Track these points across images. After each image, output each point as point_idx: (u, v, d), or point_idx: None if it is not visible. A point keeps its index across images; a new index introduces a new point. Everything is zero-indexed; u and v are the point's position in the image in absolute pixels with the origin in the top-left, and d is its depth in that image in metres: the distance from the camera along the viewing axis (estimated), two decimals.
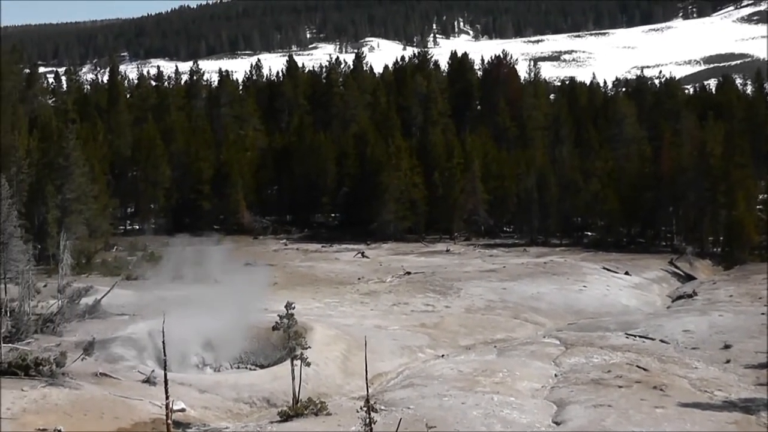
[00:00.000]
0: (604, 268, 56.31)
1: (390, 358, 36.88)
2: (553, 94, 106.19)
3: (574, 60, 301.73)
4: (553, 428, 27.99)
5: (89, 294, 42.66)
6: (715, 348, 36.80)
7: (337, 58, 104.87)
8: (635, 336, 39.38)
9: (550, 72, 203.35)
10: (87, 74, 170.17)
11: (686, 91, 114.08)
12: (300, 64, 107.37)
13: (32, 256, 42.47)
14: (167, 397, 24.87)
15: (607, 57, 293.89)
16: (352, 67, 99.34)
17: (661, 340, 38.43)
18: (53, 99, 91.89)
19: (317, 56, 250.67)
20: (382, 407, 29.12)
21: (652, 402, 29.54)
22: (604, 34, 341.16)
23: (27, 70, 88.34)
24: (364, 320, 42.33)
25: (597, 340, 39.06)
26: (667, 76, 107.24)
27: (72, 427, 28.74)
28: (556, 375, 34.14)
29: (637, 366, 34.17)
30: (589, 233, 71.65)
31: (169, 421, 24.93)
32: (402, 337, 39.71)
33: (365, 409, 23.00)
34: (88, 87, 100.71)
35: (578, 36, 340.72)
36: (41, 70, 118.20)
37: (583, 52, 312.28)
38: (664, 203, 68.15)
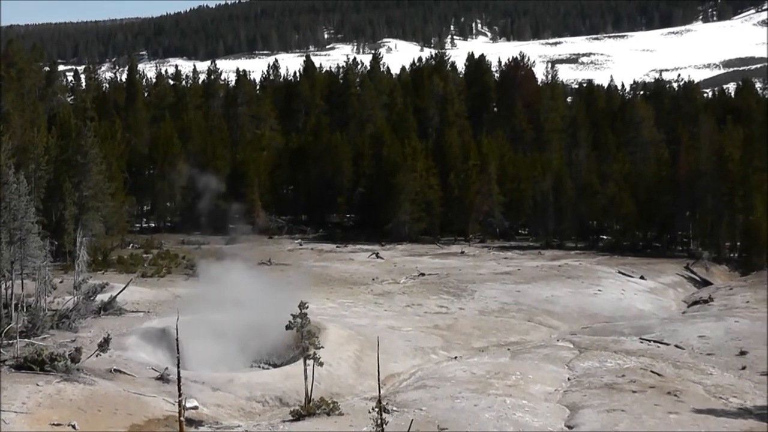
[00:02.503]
0: (620, 272, 56.15)
1: (403, 359, 36.90)
2: (570, 97, 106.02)
3: (592, 62, 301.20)
4: None
5: (105, 291, 42.89)
6: (730, 354, 36.66)
7: (355, 58, 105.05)
8: (650, 341, 39.26)
9: (567, 74, 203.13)
10: (106, 72, 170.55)
11: (705, 95, 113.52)
12: (317, 65, 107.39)
13: (49, 252, 42.72)
14: (180, 395, 24.99)
15: (625, 60, 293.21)
16: (369, 67, 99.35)
17: (676, 346, 38.30)
18: (72, 97, 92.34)
19: (335, 57, 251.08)
20: (394, 408, 29.15)
21: (666, 407, 29.44)
22: (623, 36, 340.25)
23: (47, 68, 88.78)
24: (377, 321, 42.35)
25: (611, 344, 38.97)
26: (686, 79, 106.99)
27: (86, 422, 28.87)
28: (569, 378, 34.08)
29: (652, 371, 34.08)
30: (605, 237, 71.50)
31: (182, 419, 25.05)
32: (415, 338, 39.72)
33: (377, 409, 23.03)
34: (107, 85, 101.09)
35: (596, 38, 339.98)
36: (61, 68, 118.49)
37: (602, 54, 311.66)
38: (681, 207, 67.92)
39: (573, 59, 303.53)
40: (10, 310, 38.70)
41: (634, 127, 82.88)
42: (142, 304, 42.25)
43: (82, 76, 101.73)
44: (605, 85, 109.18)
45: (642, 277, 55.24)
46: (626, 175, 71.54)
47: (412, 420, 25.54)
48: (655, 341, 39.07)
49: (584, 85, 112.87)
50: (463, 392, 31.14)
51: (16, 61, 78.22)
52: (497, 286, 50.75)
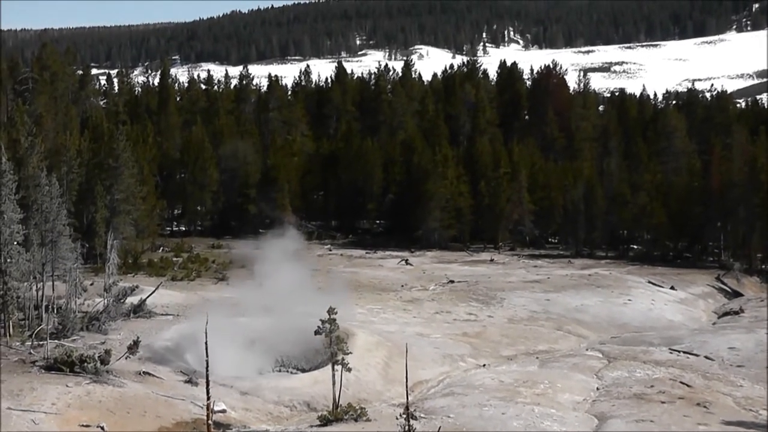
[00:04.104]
0: (650, 282, 55.79)
1: (431, 366, 36.85)
2: (602, 106, 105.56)
3: (624, 71, 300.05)
4: None
5: (135, 293, 43.20)
6: (761, 366, 36.30)
7: (386, 65, 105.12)
8: (679, 351, 38.97)
9: (600, 83, 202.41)
10: (138, 77, 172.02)
11: (738, 105, 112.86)
12: (349, 71, 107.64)
13: (80, 254, 43.04)
14: (208, 398, 25.08)
15: (658, 69, 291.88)
16: (400, 74, 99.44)
17: (706, 357, 38.00)
18: (105, 100, 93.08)
19: (366, 63, 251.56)
20: (422, 415, 29.12)
21: (695, 419, 29.22)
22: (656, 45, 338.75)
23: (80, 72, 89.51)
24: (406, 327, 42.32)
25: (640, 354, 38.73)
26: (719, 89, 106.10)
27: (115, 424, 29.03)
28: (598, 388, 33.91)
29: (681, 382, 33.83)
30: (636, 246, 71.07)
31: (210, 422, 25.14)
32: (444, 345, 39.67)
33: (405, 416, 23.03)
34: (139, 89, 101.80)
35: (629, 47, 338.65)
36: (94, 71, 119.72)
37: (634, 63, 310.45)
38: (713, 218, 67.40)
39: (605, 68, 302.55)
40: (41, 311, 39.05)
41: (666, 137, 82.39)
42: (171, 307, 42.46)
43: (115, 80, 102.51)
44: (637, 94, 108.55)
45: (672, 288, 54.85)
46: (658, 185, 71.11)
47: (440, 427, 25.50)
48: (684, 352, 38.80)
49: (616, 93, 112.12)
50: (491, 400, 31.06)
51: (49, 64, 78.97)
52: (526, 294, 50.58)
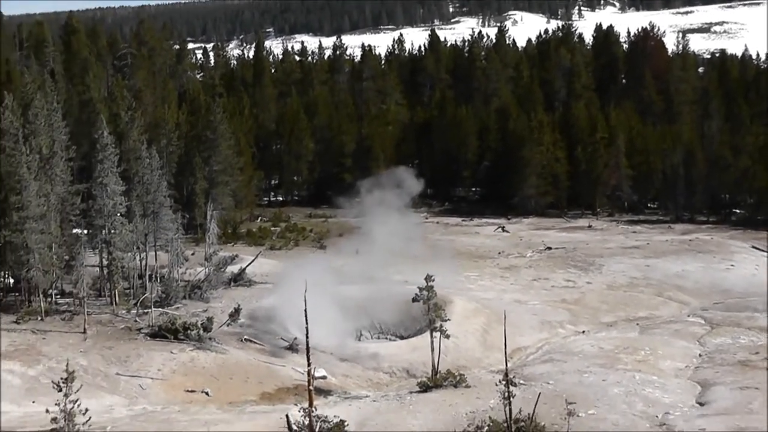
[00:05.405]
0: (753, 247, 54.44)
1: (529, 332, 36.73)
2: (702, 67, 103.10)
3: (725, 31, 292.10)
4: (697, 409, 27.37)
5: (234, 262, 43.96)
6: None
7: (480, 32, 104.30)
8: None
9: (699, 44, 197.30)
10: (233, 50, 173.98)
11: None
12: (442, 39, 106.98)
13: (181, 225, 43.93)
14: (309, 365, 25.38)
15: (760, 28, 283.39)
16: (494, 40, 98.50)
17: None
18: (201, 74, 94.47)
19: (460, 30, 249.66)
20: (521, 381, 29.02)
21: None
22: (757, 3, 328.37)
23: (177, 47, 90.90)
24: (503, 294, 42.22)
25: (744, 320, 37.99)
26: None
27: (218, 389, 29.69)
28: (700, 355, 33.40)
29: None
30: (738, 211, 69.40)
31: (311, 388, 25.45)
32: (542, 312, 39.48)
33: (504, 382, 22.94)
34: (235, 62, 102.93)
35: (730, 6, 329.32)
36: (190, 46, 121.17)
37: (735, 23, 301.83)
38: None
39: (705, 28, 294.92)
40: (145, 280, 40.00)
41: None
42: (270, 275, 43.01)
43: (211, 54, 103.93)
44: (739, 54, 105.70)
45: None
46: (760, 147, 69.15)
47: (540, 394, 25.40)
48: None
49: (717, 55, 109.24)
50: (590, 367, 30.84)
51: (147, 40, 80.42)
52: (625, 261, 49.91)
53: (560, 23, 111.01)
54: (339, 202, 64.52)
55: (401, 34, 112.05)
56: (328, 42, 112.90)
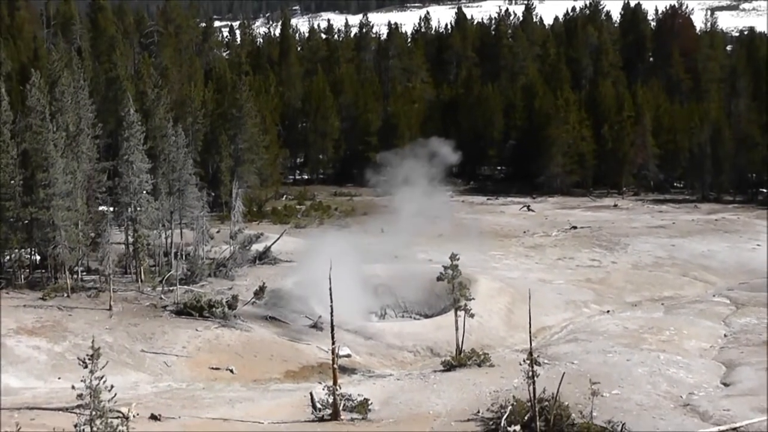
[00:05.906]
0: None
1: (554, 312, 36.66)
2: (730, 45, 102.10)
3: (754, 9, 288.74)
4: (722, 389, 27.24)
5: (260, 241, 44.02)
6: None
7: (507, 9, 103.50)
8: None
9: (727, 22, 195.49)
10: (260, 28, 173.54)
11: None
12: (469, 16, 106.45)
13: (206, 203, 44.10)
14: (333, 343, 25.46)
15: None
16: (521, 18, 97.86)
17: None
18: (227, 52, 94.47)
19: (486, 8, 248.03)
20: (546, 361, 29.04)
21: None
22: None
23: (203, 25, 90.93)
24: (528, 273, 42.14)
25: None
26: None
27: (243, 367, 29.84)
28: (725, 335, 33.24)
29: None
30: (765, 190, 68.84)
31: (335, 366, 25.53)
32: (567, 291, 39.38)
33: (528, 361, 22.92)
34: (261, 40, 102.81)
35: None
36: (216, 24, 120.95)
37: (764, 0, 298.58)
38: None
39: (733, 6, 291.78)
40: (170, 258, 40.20)
41: None
42: (295, 254, 43.05)
43: (237, 32, 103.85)
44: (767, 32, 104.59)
45: None
46: None
47: (564, 373, 25.35)
48: None
49: (745, 33, 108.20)
50: (615, 346, 30.75)
51: (173, 17, 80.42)
52: (651, 240, 49.70)
53: (588, 1, 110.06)
54: (365, 180, 64.64)
55: (428, 12, 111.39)
56: (355, 20, 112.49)
